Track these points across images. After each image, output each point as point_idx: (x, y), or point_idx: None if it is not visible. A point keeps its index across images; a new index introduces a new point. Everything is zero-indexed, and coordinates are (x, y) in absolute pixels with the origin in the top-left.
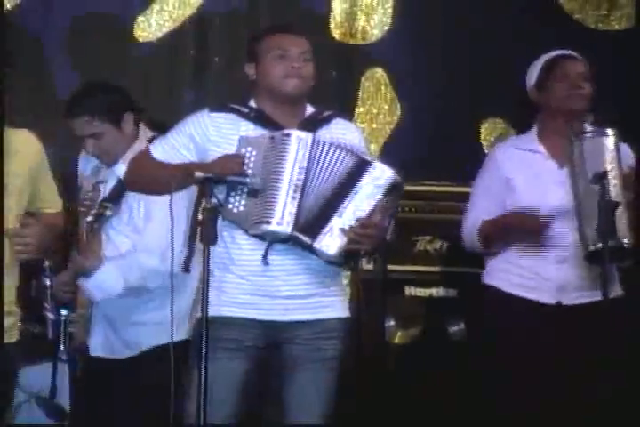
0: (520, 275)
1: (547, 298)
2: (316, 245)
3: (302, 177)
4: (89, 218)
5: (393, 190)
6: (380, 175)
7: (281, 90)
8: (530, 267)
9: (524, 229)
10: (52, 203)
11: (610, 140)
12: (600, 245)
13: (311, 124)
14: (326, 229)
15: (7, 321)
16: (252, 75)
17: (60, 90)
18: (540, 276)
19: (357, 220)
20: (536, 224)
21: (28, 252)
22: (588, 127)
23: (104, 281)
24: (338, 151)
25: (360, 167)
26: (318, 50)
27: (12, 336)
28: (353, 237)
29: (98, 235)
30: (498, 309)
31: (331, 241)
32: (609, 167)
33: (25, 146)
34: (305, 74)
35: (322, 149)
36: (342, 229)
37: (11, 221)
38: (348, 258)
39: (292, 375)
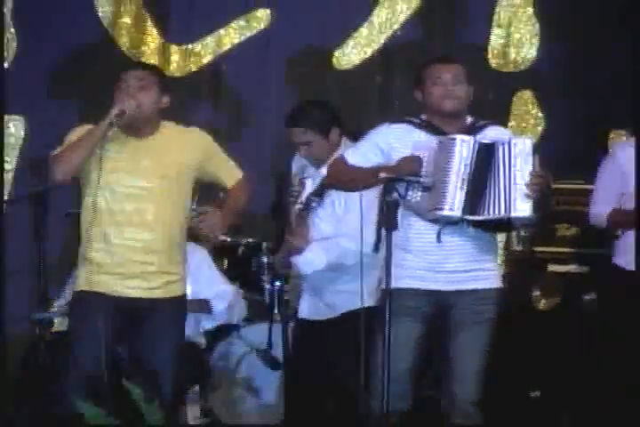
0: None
1: None
2: (513, 214)
3: (468, 171)
4: (297, 206)
5: (535, 149)
6: (523, 146)
7: (440, 108)
8: None
9: None
10: (230, 175)
11: None
12: None
13: (470, 131)
14: (512, 199)
15: (167, 278)
16: (419, 97)
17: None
18: None
19: (527, 180)
20: None
21: (213, 233)
22: None
23: (310, 259)
24: (492, 146)
25: (508, 148)
26: (478, 75)
27: (170, 291)
28: (533, 189)
29: (306, 222)
30: (627, 283)
31: (522, 206)
32: None
33: (196, 139)
34: (458, 94)
35: (480, 148)
36: (524, 194)
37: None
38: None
39: (457, 335)
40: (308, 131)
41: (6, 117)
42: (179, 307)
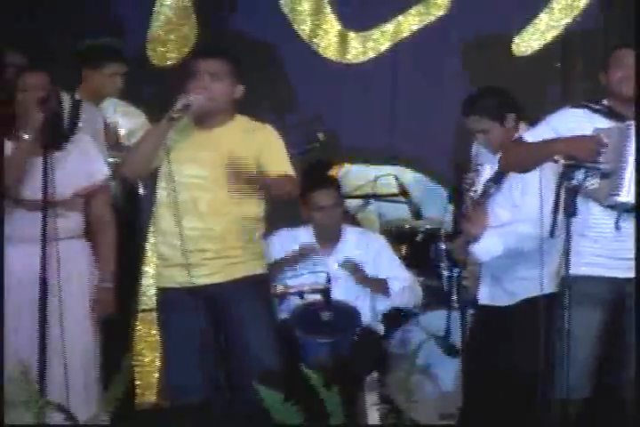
0: None
1: None
2: None
3: None
4: (471, 193)
5: None
6: None
7: (619, 92)
8: None
9: None
10: (276, 169)
11: None
12: None
13: None
14: None
15: (226, 261)
16: (603, 81)
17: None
18: None
19: None
20: None
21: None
22: None
23: (487, 245)
24: None
25: None
26: None
27: (230, 274)
28: None
29: (483, 208)
30: None
31: None
32: None
33: (262, 136)
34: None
35: None
36: None
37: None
38: None
39: (633, 322)
40: (484, 118)
41: None
42: (246, 287)
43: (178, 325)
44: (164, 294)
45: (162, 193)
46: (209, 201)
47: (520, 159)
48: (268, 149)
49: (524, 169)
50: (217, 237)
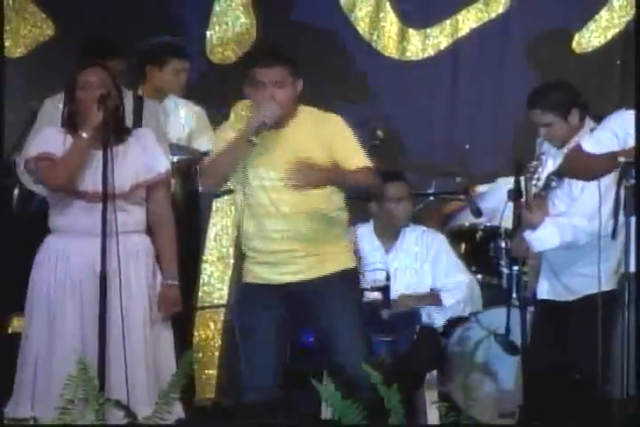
0: None
1: None
2: None
3: None
4: (534, 182)
5: None
6: None
7: None
8: None
9: None
10: (353, 163)
11: None
12: None
13: None
14: None
15: (314, 259)
16: None
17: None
18: None
19: None
20: None
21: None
22: None
23: (544, 235)
24: None
25: None
26: None
27: (319, 271)
28: None
29: (544, 200)
30: None
31: None
32: None
33: (330, 126)
34: None
35: None
36: None
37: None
38: None
39: None
40: (547, 112)
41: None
42: (335, 283)
43: (255, 321)
44: (247, 289)
45: (239, 197)
46: (289, 202)
47: (584, 170)
48: (340, 141)
49: (588, 179)
50: (305, 238)
